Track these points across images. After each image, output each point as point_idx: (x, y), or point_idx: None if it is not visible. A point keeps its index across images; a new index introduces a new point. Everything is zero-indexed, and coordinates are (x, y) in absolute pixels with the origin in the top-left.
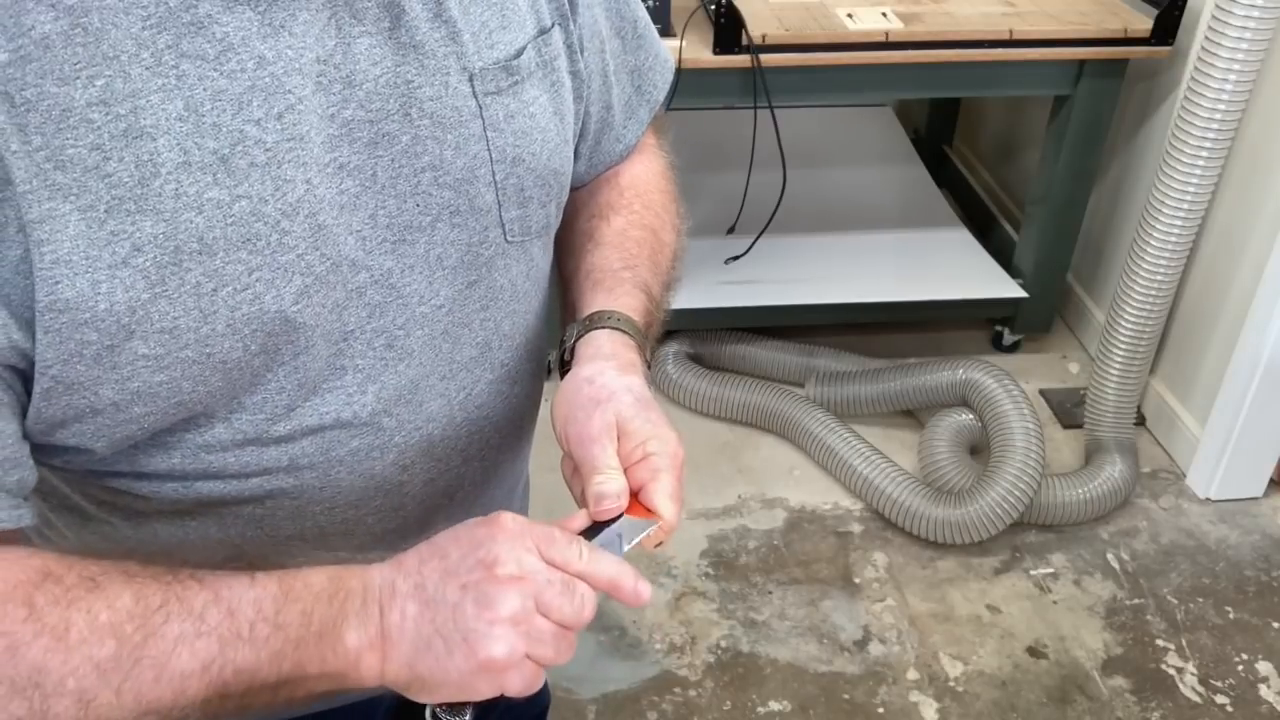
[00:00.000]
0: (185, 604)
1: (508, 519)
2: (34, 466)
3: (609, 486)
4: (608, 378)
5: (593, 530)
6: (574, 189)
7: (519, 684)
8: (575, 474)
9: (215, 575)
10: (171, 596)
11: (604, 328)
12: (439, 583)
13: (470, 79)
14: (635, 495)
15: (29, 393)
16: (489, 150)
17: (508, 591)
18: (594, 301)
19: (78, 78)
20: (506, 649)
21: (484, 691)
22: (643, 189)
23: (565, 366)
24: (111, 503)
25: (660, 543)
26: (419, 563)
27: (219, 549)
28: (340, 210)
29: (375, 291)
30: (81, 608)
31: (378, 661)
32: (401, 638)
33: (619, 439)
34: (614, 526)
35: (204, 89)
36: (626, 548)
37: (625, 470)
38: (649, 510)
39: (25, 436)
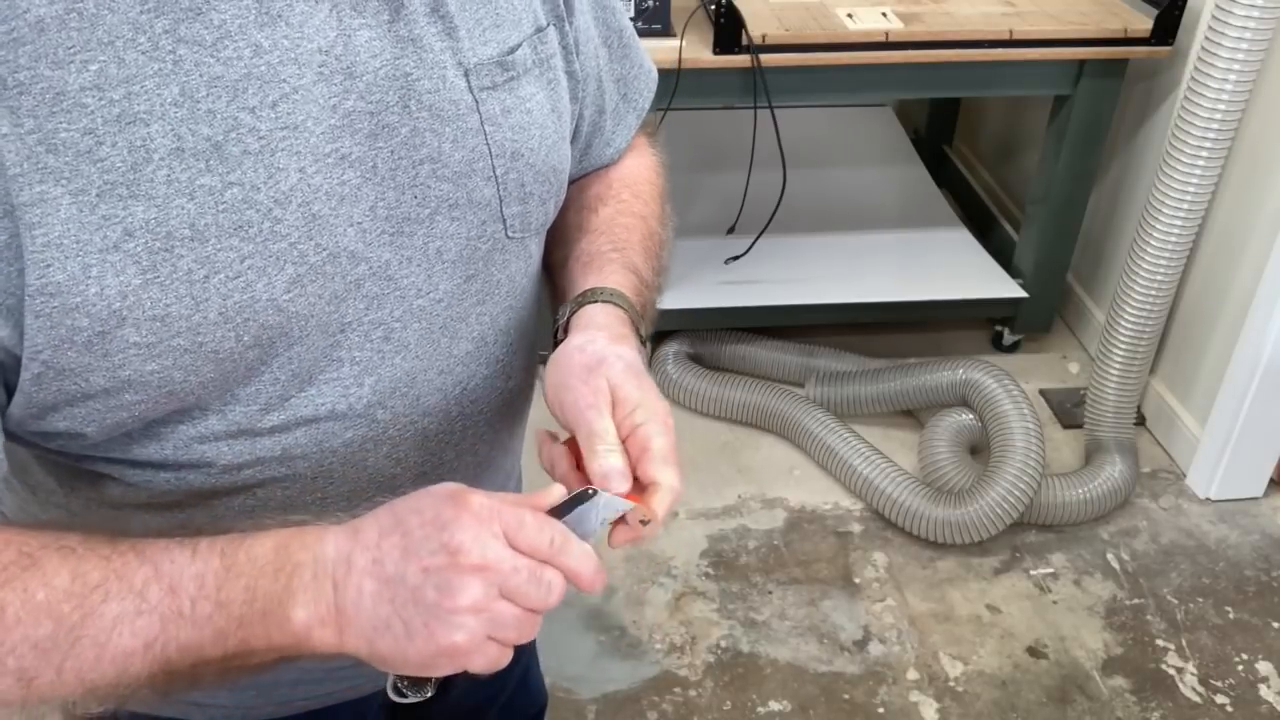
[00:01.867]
0: (125, 581)
1: (476, 500)
2: (3, 459)
3: (617, 463)
4: (598, 345)
5: (567, 505)
6: None
7: (482, 664)
8: (555, 466)
9: (156, 547)
10: (110, 574)
11: (597, 302)
12: (399, 561)
13: (466, 74)
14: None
15: (7, 385)
16: (488, 144)
17: (471, 581)
18: (585, 283)
19: (72, 61)
20: (467, 636)
21: (445, 671)
22: (631, 180)
23: (558, 345)
24: (99, 497)
25: (647, 520)
26: (378, 535)
27: (165, 519)
28: (340, 201)
29: (373, 284)
30: (17, 587)
31: (333, 635)
32: (358, 614)
33: (612, 406)
34: (588, 504)
35: (200, 75)
36: (599, 526)
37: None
38: (642, 485)
39: (3, 429)
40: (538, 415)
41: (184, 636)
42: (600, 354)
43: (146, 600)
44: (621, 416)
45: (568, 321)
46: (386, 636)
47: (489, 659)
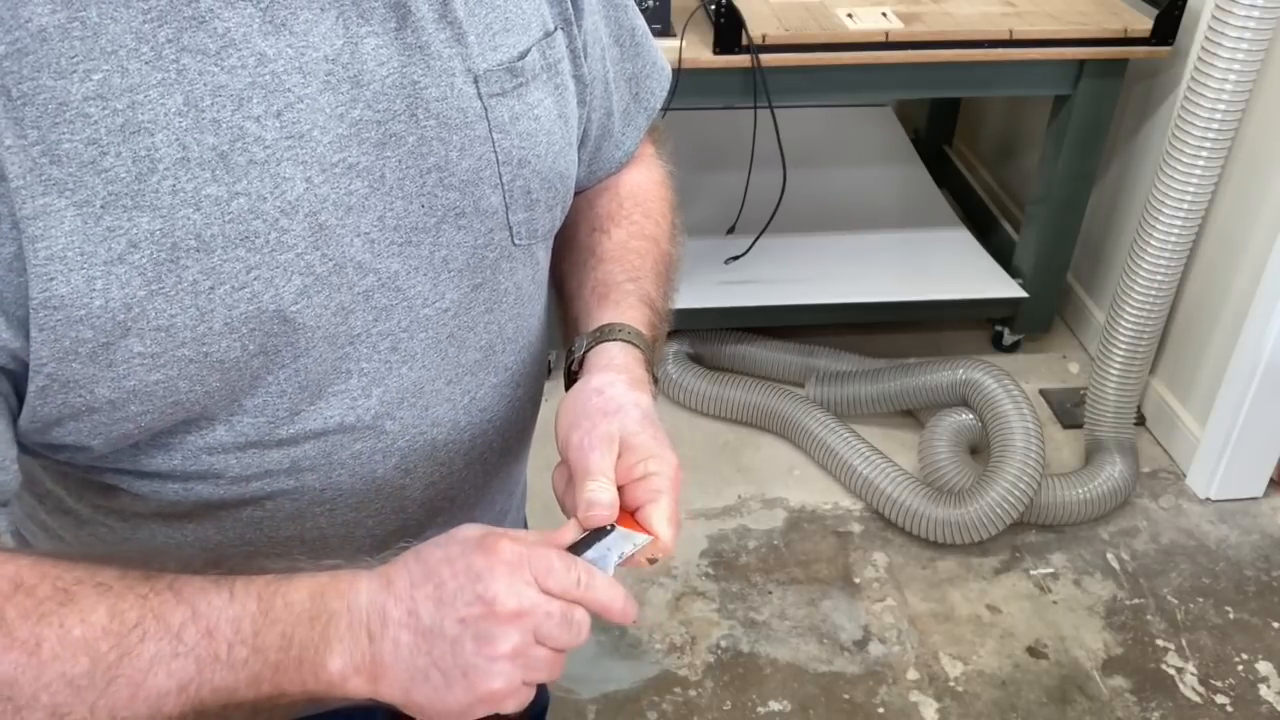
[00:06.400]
0: (162, 621)
1: (506, 547)
2: (17, 472)
3: (601, 495)
4: (617, 390)
5: (584, 542)
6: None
7: (514, 705)
8: (567, 489)
9: (193, 587)
10: (148, 613)
11: (616, 340)
12: (434, 613)
13: (475, 80)
14: (633, 515)
15: (18, 394)
16: (495, 152)
17: (509, 630)
18: (601, 315)
19: (75, 71)
20: (505, 681)
21: (480, 715)
22: (642, 198)
23: (572, 378)
24: (108, 506)
25: (655, 560)
26: (410, 586)
27: (198, 556)
28: (348, 212)
29: (382, 295)
30: (53, 622)
31: (367, 683)
32: (395, 664)
33: (621, 453)
34: (607, 539)
35: (204, 84)
36: (618, 561)
37: (624, 488)
38: (645, 530)
39: (15, 439)
40: (545, 422)
41: (219, 680)
42: (618, 401)
43: (183, 642)
44: (632, 463)
45: (583, 357)
46: (424, 687)
47: (521, 700)
